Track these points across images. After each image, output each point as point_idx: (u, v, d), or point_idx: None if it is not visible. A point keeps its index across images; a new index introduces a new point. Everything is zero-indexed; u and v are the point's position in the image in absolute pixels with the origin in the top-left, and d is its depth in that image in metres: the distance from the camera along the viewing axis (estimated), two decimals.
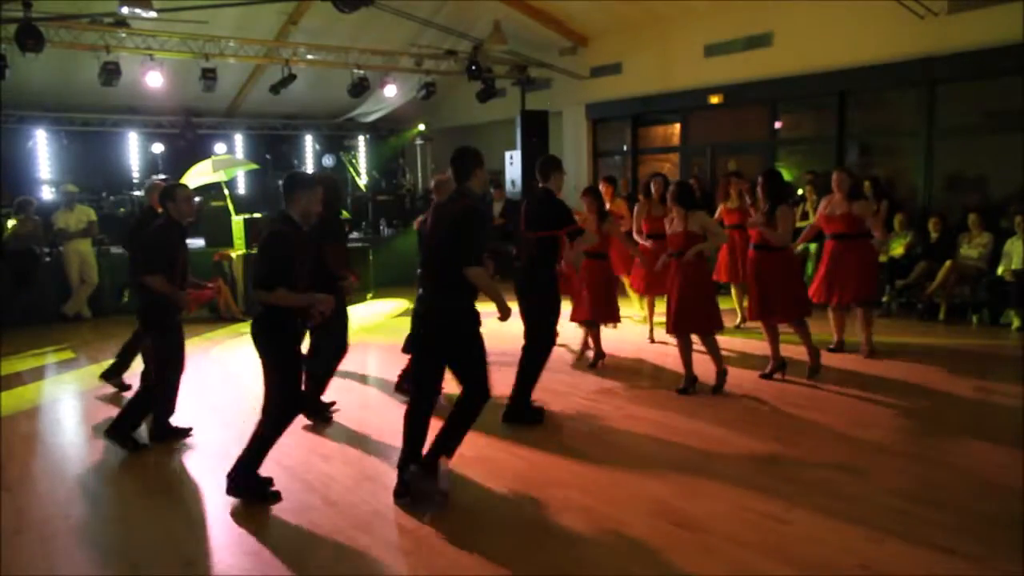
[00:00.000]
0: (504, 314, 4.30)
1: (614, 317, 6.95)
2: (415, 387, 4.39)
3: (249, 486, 4.25)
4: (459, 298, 4.13)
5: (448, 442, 4.21)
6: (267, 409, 4.27)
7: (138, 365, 6.47)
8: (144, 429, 5.31)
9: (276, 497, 4.26)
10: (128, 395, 6.31)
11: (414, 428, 4.20)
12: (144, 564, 3.63)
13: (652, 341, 7.98)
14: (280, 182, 4.54)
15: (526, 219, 5.61)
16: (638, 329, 8.41)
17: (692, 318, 5.98)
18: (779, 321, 6.39)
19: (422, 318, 4.38)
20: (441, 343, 4.18)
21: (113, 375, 6.61)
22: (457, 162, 4.29)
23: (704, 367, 6.23)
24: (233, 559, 3.66)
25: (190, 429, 5.38)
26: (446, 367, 4.26)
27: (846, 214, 6.89)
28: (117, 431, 5.13)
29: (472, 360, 4.20)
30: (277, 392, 4.24)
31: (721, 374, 6.09)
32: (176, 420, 5.39)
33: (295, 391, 4.32)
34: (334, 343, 5.68)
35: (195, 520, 4.13)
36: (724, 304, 6.91)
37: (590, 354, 7.13)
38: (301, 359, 4.38)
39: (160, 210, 5.29)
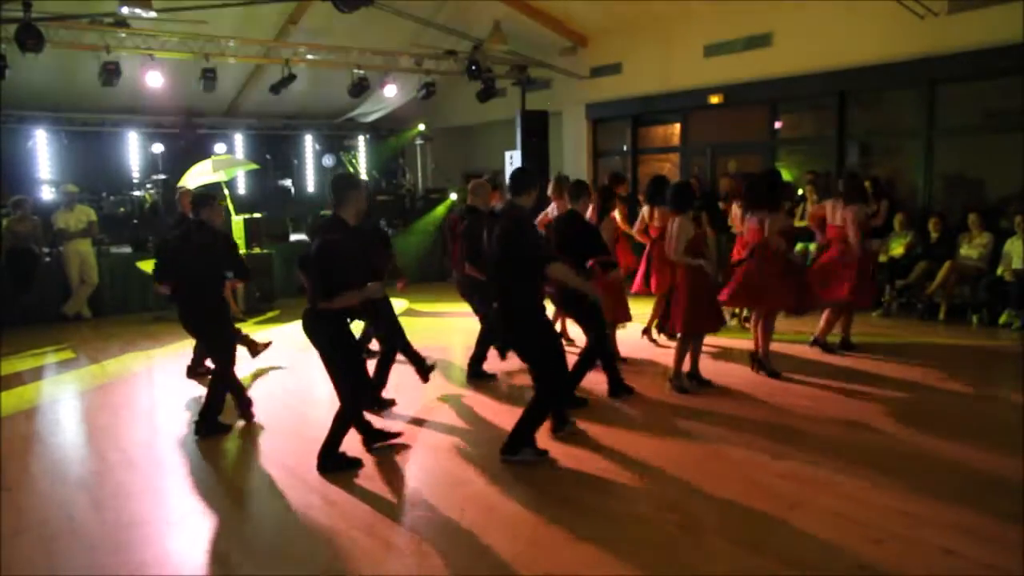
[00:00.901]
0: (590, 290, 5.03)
1: (627, 316, 7.03)
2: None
3: (336, 463, 4.63)
4: (521, 300, 4.59)
5: (525, 430, 4.70)
6: (340, 397, 4.65)
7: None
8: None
9: (359, 463, 4.69)
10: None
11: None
12: (144, 564, 3.63)
13: (652, 340, 8.02)
14: (331, 184, 4.92)
15: (556, 242, 5.78)
16: (634, 328, 8.38)
17: (706, 316, 6.08)
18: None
19: (503, 327, 4.83)
20: (516, 344, 4.81)
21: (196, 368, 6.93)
22: (517, 178, 4.81)
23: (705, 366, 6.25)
24: (233, 558, 3.66)
25: (231, 426, 5.55)
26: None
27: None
28: (204, 424, 5.37)
29: (539, 354, 4.68)
30: (343, 380, 4.61)
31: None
32: (174, 421, 5.41)
33: (360, 376, 4.69)
34: (387, 328, 6.00)
35: (195, 520, 4.13)
36: None
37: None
38: (358, 346, 4.75)
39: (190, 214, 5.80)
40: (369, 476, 4.58)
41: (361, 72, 11.93)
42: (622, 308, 6.93)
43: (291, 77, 11.62)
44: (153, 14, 9.03)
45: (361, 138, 16.91)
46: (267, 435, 5.44)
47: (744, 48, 11.07)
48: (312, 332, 4.59)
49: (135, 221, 12.23)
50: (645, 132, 13.71)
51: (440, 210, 14.10)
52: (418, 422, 5.61)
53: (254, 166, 13.02)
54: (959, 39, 8.82)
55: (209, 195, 5.78)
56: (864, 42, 9.67)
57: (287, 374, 7.21)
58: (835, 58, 9.98)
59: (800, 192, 10.15)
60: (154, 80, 10.56)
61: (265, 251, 10.95)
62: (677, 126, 13.07)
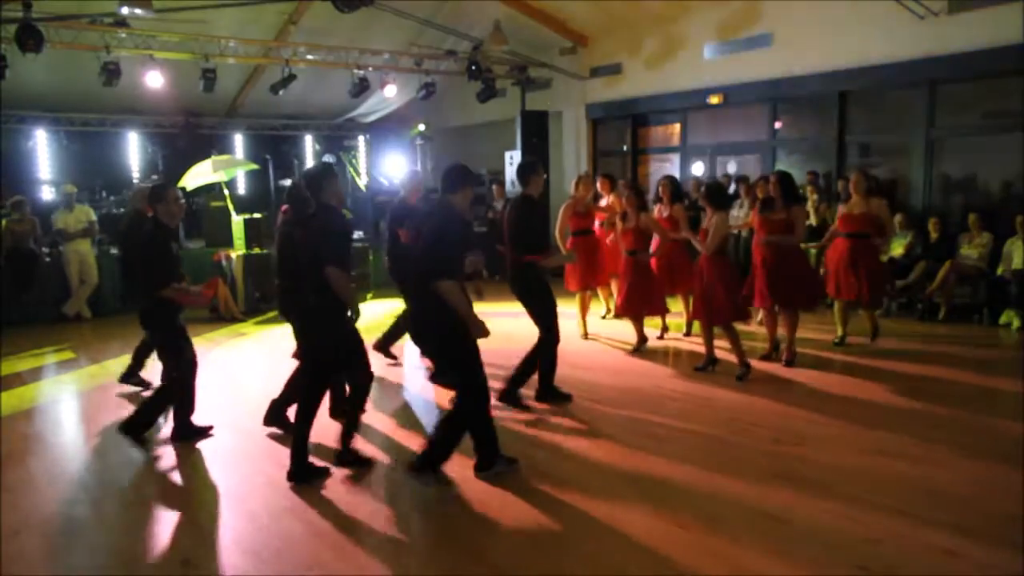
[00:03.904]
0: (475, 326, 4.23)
1: (660, 309, 7.52)
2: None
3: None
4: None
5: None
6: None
7: (155, 363, 6.51)
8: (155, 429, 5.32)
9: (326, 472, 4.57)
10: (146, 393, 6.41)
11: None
12: (144, 564, 3.63)
13: (662, 337, 8.09)
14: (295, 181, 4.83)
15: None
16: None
17: (719, 308, 6.38)
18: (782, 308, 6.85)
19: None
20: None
21: (131, 376, 6.66)
22: (448, 176, 4.45)
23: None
24: (232, 559, 3.66)
25: (210, 428, 5.44)
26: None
27: (864, 214, 7.05)
28: (131, 427, 5.23)
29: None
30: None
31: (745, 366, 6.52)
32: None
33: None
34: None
35: (194, 520, 4.13)
36: None
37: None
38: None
39: (150, 213, 5.25)
40: (367, 476, 4.58)
41: (361, 72, 11.93)
42: (655, 300, 7.42)
43: (291, 77, 11.62)
44: (153, 14, 9.02)
45: (361, 138, 16.90)
46: (264, 435, 5.43)
47: (744, 48, 11.06)
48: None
49: None
50: (645, 132, 13.71)
51: None
52: (413, 421, 5.61)
53: (254, 166, 13.02)
54: (959, 39, 8.82)
55: (162, 189, 5.29)
56: (864, 42, 9.66)
57: (286, 374, 7.21)
58: (835, 58, 9.97)
59: (800, 192, 10.13)
60: (154, 80, 10.56)
61: (265, 251, 10.94)
62: (677, 126, 13.07)
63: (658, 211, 7.87)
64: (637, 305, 7.40)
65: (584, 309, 8.31)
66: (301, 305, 4.64)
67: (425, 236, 4.28)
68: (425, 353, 5.22)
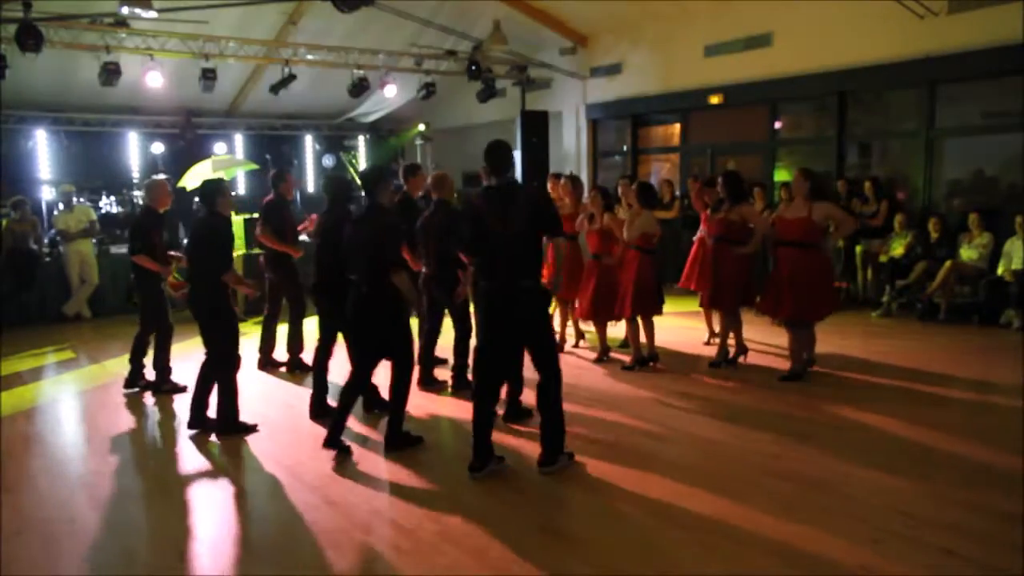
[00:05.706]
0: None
1: (615, 315, 7.10)
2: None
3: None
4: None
5: None
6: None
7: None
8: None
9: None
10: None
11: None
12: (144, 563, 3.63)
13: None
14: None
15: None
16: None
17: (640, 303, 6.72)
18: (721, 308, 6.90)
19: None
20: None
21: (135, 380, 6.66)
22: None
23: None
24: (233, 559, 3.66)
25: (256, 425, 5.48)
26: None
27: (801, 219, 6.10)
28: (196, 422, 5.35)
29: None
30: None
31: (652, 356, 6.95)
32: (174, 421, 5.41)
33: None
34: None
35: (195, 519, 4.13)
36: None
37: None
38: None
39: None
40: (369, 476, 4.58)
41: (361, 72, 11.93)
42: (612, 305, 7.08)
43: (291, 77, 11.62)
44: (153, 14, 9.02)
45: (361, 138, 16.91)
46: (266, 435, 5.43)
47: (744, 48, 11.07)
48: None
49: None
50: (645, 132, 13.71)
51: None
52: (419, 420, 5.61)
53: (254, 166, 13.02)
54: (959, 39, 8.82)
55: (221, 184, 5.73)
56: (864, 42, 9.66)
57: (286, 373, 7.22)
58: (835, 58, 9.97)
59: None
60: (154, 80, 10.56)
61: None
62: (677, 126, 13.07)
63: (618, 213, 7.35)
64: (602, 312, 7.01)
65: (563, 317, 7.73)
66: (353, 296, 4.93)
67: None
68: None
